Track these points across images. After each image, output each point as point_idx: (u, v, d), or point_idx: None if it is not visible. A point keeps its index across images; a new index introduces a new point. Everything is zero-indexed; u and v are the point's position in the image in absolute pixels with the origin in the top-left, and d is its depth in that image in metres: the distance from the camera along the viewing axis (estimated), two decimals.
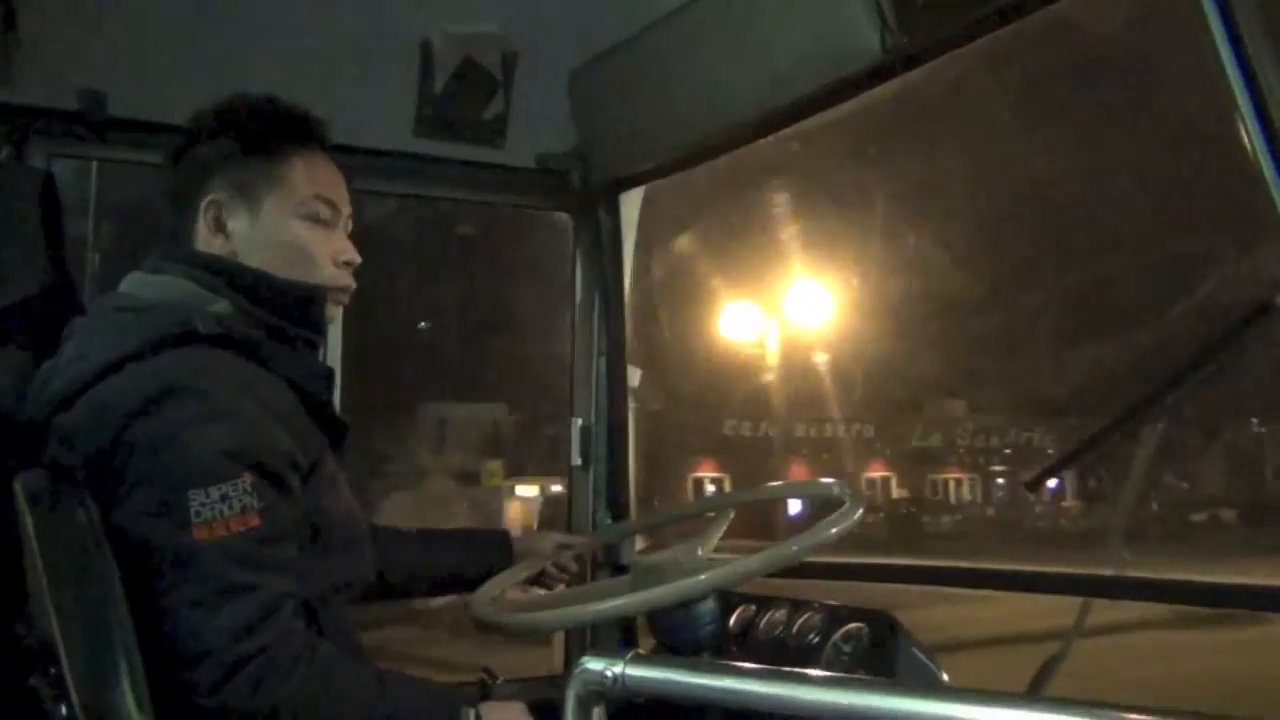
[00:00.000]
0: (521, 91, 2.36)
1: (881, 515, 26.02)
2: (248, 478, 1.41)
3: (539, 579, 2.03)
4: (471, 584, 1.91)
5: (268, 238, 1.61)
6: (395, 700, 1.45)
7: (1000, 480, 33.67)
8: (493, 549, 2.02)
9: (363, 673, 1.47)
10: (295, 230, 1.63)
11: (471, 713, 1.49)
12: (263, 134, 1.63)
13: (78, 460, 1.44)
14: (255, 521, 1.40)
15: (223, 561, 1.37)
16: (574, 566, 2.10)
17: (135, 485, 1.40)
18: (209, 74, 1.72)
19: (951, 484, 32.61)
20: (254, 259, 1.60)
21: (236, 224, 1.60)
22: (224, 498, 1.39)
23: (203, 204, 1.59)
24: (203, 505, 1.38)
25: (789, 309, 12.18)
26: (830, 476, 1.77)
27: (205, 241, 1.60)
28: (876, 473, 31.88)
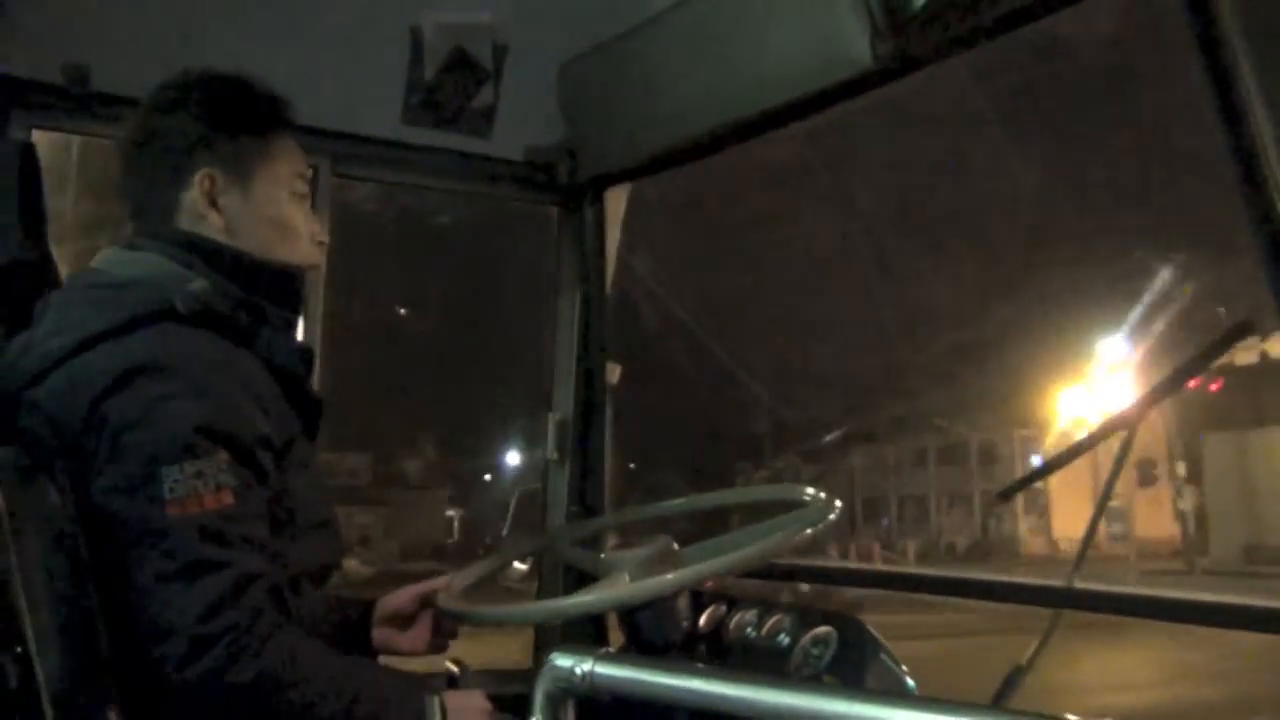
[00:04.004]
0: (511, 83, 2.35)
1: None
2: (222, 455, 1.40)
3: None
4: None
5: (260, 214, 1.61)
6: (361, 685, 1.45)
7: None
8: (354, 620, 1.77)
9: (329, 657, 1.47)
10: (285, 207, 1.64)
11: (436, 700, 1.49)
12: (249, 110, 1.62)
13: (50, 436, 1.42)
14: (229, 499, 1.39)
15: (195, 537, 1.36)
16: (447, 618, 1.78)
17: (109, 461, 1.39)
18: (195, 52, 1.70)
19: None
20: (243, 235, 1.60)
21: (228, 200, 1.59)
22: (198, 474, 1.38)
23: (196, 178, 1.58)
24: (176, 482, 1.37)
25: None
26: None
27: (193, 216, 1.59)
28: None
